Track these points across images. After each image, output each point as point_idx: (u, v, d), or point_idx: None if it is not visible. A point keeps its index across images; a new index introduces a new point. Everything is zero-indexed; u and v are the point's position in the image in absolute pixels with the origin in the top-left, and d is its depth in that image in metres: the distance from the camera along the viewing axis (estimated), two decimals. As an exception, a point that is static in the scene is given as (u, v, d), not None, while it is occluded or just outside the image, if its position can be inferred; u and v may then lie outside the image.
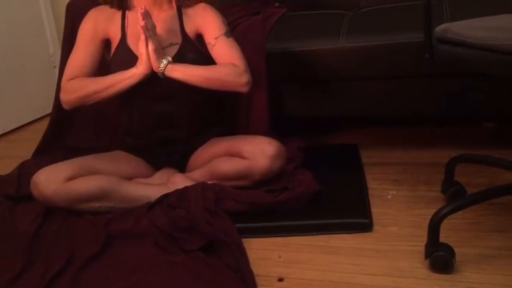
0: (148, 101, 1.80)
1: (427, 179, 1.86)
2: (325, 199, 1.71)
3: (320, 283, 1.36)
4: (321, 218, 1.62)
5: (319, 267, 1.43)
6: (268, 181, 1.73)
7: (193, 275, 1.38)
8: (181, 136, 1.85)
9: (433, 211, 1.38)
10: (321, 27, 2.07)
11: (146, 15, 1.67)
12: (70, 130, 2.29)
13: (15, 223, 1.67)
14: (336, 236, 1.57)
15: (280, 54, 2.01)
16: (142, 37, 1.68)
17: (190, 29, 1.83)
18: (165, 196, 1.70)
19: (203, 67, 1.75)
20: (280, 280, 1.39)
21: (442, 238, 1.35)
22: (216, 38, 1.80)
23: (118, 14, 1.85)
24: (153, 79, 1.73)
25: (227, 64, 1.78)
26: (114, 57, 1.83)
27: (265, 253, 1.51)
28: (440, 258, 1.33)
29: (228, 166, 1.75)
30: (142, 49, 1.69)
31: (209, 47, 1.81)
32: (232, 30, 1.96)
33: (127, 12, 1.84)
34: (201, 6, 1.88)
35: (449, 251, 1.34)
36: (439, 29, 1.38)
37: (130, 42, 1.81)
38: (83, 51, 1.82)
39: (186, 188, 1.72)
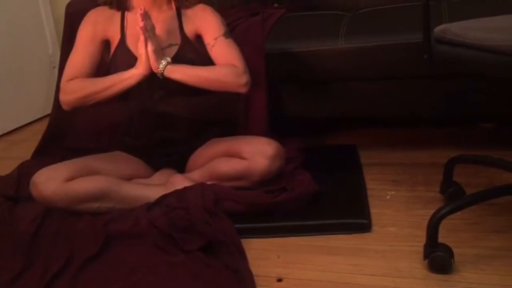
0: (147, 102, 1.80)
1: (425, 179, 1.86)
2: (324, 199, 1.72)
3: (319, 283, 1.36)
4: (320, 218, 1.62)
5: (318, 267, 1.43)
6: (267, 181, 1.73)
7: (192, 275, 1.38)
8: (180, 136, 1.86)
9: (431, 211, 1.38)
10: (320, 28, 2.07)
11: (146, 16, 1.67)
12: (69, 131, 2.29)
13: (15, 224, 1.67)
14: (335, 236, 1.57)
15: (279, 55, 2.01)
16: (142, 37, 1.68)
17: (189, 30, 1.83)
18: (164, 197, 1.70)
19: (202, 68, 1.75)
20: (279, 280, 1.39)
21: (441, 239, 1.35)
22: (215, 39, 1.81)
23: (117, 15, 1.85)
24: (152, 79, 1.73)
25: (226, 65, 1.78)
26: (113, 57, 1.83)
27: (264, 253, 1.52)
28: (438, 258, 1.34)
29: (227, 166, 1.75)
30: (142, 49, 1.69)
31: (208, 47, 1.82)
32: (231, 31, 1.96)
33: (126, 13, 1.84)
34: (200, 7, 1.88)
35: (448, 251, 1.34)
36: (438, 29, 1.38)
37: (130, 42, 1.81)
38: (83, 52, 1.82)
39: (185, 188, 1.72)
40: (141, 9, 1.66)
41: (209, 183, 1.75)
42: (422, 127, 2.38)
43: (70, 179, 1.66)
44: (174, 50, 1.80)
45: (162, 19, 1.82)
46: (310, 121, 2.29)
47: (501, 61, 1.20)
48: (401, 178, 1.90)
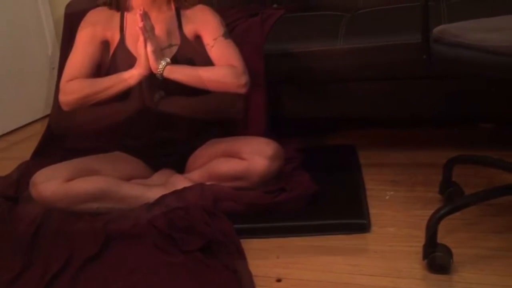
0: (147, 102, 1.81)
1: (425, 179, 1.86)
2: (323, 200, 1.72)
3: (318, 283, 1.36)
4: (319, 219, 1.63)
5: (317, 267, 1.43)
6: (266, 182, 1.73)
7: (191, 276, 1.38)
8: (180, 137, 1.86)
9: (431, 212, 1.38)
10: (319, 28, 2.08)
11: (145, 17, 1.68)
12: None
13: (15, 224, 1.67)
14: (334, 236, 1.57)
15: (278, 56, 2.01)
16: (141, 38, 1.68)
17: (188, 31, 1.84)
18: (163, 197, 1.70)
19: (202, 68, 1.76)
20: (278, 280, 1.39)
21: (440, 239, 1.35)
22: (214, 40, 1.81)
23: (117, 15, 1.85)
24: (152, 80, 1.73)
25: (225, 66, 1.78)
26: (112, 58, 1.83)
27: (263, 253, 1.52)
28: (437, 258, 1.34)
29: (227, 167, 1.75)
30: (141, 50, 1.69)
31: (208, 48, 1.82)
32: (230, 32, 1.96)
33: (125, 13, 1.85)
34: (200, 7, 1.88)
35: (447, 251, 1.34)
36: (437, 30, 1.38)
37: (129, 43, 1.81)
38: (82, 53, 1.82)
39: (184, 188, 1.72)
40: (140, 10, 1.66)
41: (208, 183, 1.75)
42: (421, 128, 2.38)
43: (70, 179, 1.67)
44: (173, 50, 1.80)
45: (162, 19, 1.82)
46: (309, 122, 2.29)
47: (500, 62, 1.20)
48: (400, 178, 1.90)
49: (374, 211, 1.69)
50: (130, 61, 1.75)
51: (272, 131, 2.01)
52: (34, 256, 1.51)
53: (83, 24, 1.86)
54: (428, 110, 2.01)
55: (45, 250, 1.54)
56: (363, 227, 1.59)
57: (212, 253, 1.46)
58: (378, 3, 2.24)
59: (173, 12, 1.85)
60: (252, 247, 1.53)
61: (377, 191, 1.82)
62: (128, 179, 1.80)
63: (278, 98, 2.11)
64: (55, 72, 2.20)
